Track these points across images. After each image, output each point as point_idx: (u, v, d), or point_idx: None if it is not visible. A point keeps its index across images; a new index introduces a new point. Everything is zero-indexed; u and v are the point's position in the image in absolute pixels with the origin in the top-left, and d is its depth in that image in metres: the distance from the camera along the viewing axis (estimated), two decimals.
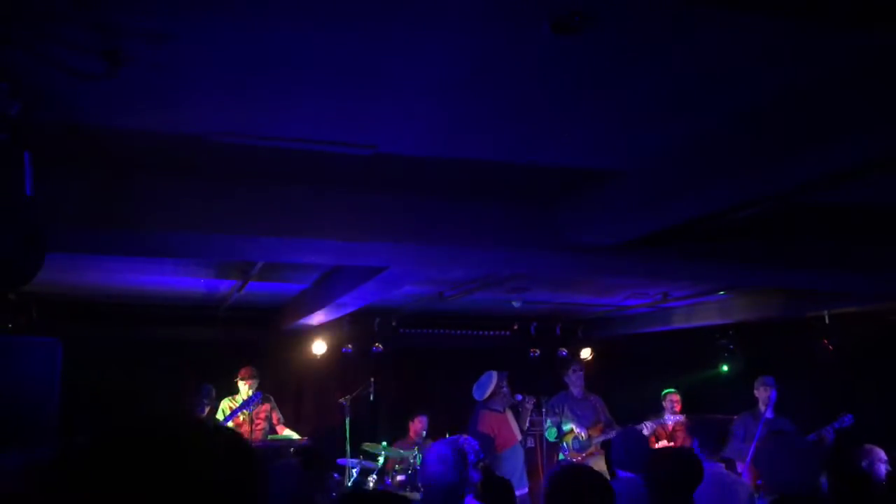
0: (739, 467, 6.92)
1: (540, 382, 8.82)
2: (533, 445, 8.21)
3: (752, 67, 2.82)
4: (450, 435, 6.46)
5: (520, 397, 7.78)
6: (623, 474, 4.22)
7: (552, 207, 4.78)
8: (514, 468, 6.95)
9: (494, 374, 7.62)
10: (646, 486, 3.79)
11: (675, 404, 8.68)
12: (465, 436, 3.94)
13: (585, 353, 10.58)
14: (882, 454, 5.53)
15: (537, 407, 7.89)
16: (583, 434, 8.06)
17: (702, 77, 2.93)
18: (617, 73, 2.89)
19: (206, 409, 7.33)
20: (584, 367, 8.56)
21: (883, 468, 5.40)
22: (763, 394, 7.30)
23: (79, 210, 4.11)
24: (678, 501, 3.63)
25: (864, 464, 5.51)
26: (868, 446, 5.64)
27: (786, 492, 3.45)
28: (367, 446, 8.14)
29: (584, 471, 3.35)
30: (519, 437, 7.45)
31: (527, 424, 7.94)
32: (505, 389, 7.58)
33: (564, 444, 8.01)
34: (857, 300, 7.39)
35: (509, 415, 7.54)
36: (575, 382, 8.40)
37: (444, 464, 3.58)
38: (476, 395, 7.63)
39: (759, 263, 5.32)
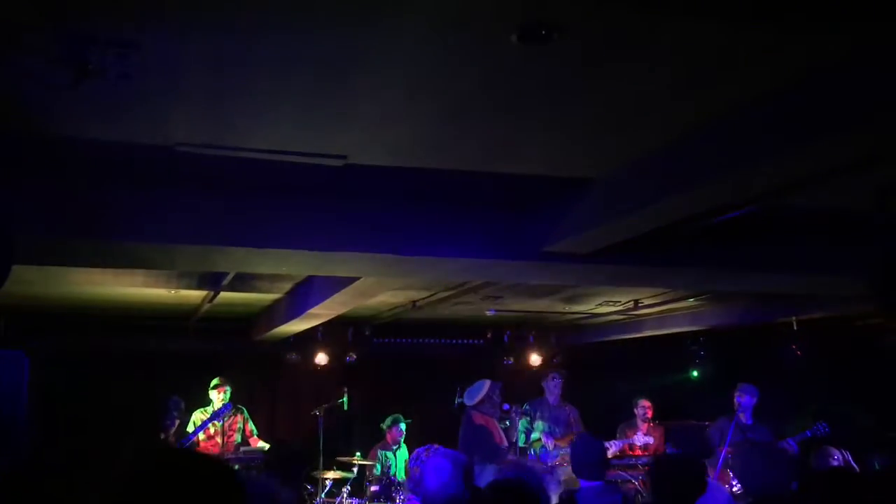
0: (710, 472, 6.98)
1: (513, 390, 8.84)
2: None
3: (711, 76, 2.87)
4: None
5: (507, 407, 7.82)
6: (584, 483, 4.23)
7: (523, 216, 4.81)
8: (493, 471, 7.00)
9: (488, 382, 7.69)
10: (652, 494, 3.80)
11: (647, 410, 8.72)
12: (436, 446, 3.89)
13: (535, 360, 10.57)
14: (834, 452, 5.63)
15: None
16: (549, 444, 8.09)
17: (664, 86, 2.97)
18: (583, 82, 2.93)
19: (176, 423, 7.25)
20: (563, 377, 8.58)
21: (834, 465, 5.48)
22: (741, 400, 7.37)
23: (46, 221, 4.08)
24: None
25: (814, 463, 5.61)
26: (824, 447, 5.75)
27: (762, 494, 3.51)
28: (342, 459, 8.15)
29: (514, 486, 3.37)
30: (504, 444, 7.49)
31: (515, 436, 7.96)
32: (496, 399, 7.63)
33: (532, 451, 8.05)
34: (824, 306, 7.50)
35: (496, 423, 7.59)
36: (552, 390, 8.46)
37: (443, 474, 3.52)
38: (467, 399, 7.69)
39: (732, 267, 5.38)
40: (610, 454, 7.95)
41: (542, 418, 8.30)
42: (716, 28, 2.49)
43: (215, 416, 7.60)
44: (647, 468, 5.28)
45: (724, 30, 2.51)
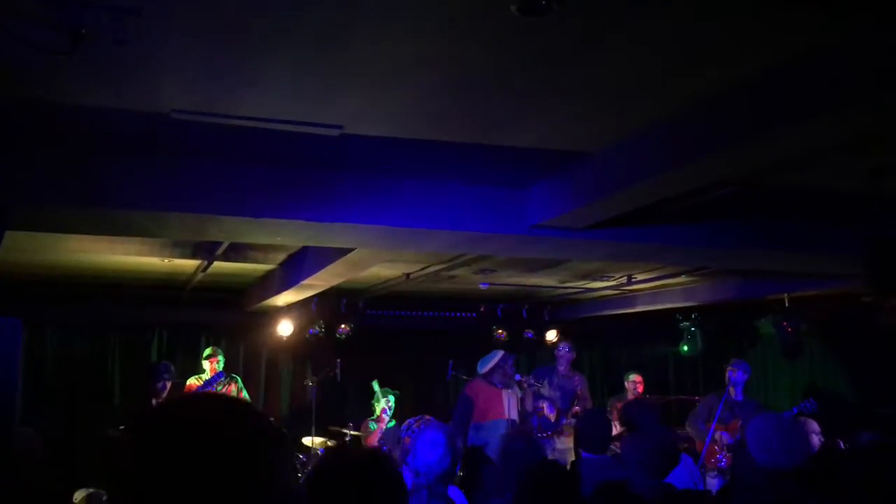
0: (699, 447, 7.05)
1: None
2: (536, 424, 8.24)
3: (711, 52, 2.86)
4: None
5: (519, 377, 7.89)
6: (587, 455, 4.29)
7: (520, 188, 4.81)
8: (493, 441, 7.03)
9: (500, 352, 7.77)
10: (621, 467, 3.85)
11: (638, 385, 8.84)
12: (427, 416, 3.92)
13: (551, 336, 10.66)
14: (815, 426, 5.67)
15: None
16: (551, 415, 8.19)
17: (663, 61, 2.96)
18: (582, 54, 2.91)
19: (167, 388, 7.28)
20: (573, 350, 8.74)
21: (816, 439, 5.52)
22: (732, 375, 7.42)
23: (41, 187, 4.07)
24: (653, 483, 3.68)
25: None
26: (805, 420, 5.80)
27: (776, 468, 3.54)
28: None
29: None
30: (508, 415, 7.53)
31: (531, 405, 8.03)
32: (508, 370, 7.68)
33: (536, 417, 8.17)
34: (817, 283, 7.54)
35: (506, 394, 7.61)
36: (561, 359, 8.63)
37: (436, 448, 3.54)
38: (479, 367, 7.78)
39: (726, 244, 5.41)
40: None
41: (550, 385, 8.43)
42: (716, 4, 2.48)
43: (209, 383, 7.62)
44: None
45: (725, 6, 2.50)
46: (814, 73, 2.82)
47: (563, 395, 8.43)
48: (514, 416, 7.58)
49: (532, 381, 8.05)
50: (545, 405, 8.24)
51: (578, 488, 3.29)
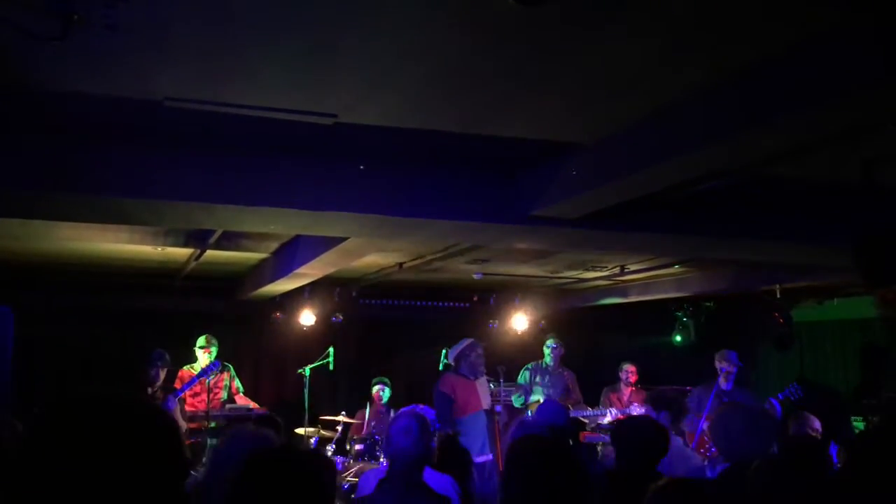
0: (689, 440, 7.08)
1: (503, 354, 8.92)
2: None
3: (703, 44, 2.86)
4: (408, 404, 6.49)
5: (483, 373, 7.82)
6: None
7: (514, 179, 4.81)
8: (476, 434, 7.01)
9: (466, 341, 7.53)
10: (615, 456, 3.86)
11: (631, 375, 8.91)
12: (421, 405, 3.94)
13: (521, 323, 10.49)
14: (815, 423, 5.67)
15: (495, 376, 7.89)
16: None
17: (656, 52, 2.96)
18: (576, 46, 2.90)
19: (161, 376, 7.25)
20: (562, 345, 8.89)
21: (810, 433, 5.53)
22: (723, 367, 7.45)
23: (33, 175, 4.04)
24: (643, 472, 3.70)
25: (792, 428, 5.66)
26: (804, 413, 5.81)
27: (741, 460, 3.55)
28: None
29: (545, 442, 3.25)
30: (484, 405, 7.46)
31: (501, 396, 7.99)
32: (473, 359, 7.39)
33: (529, 412, 8.14)
34: (809, 275, 7.57)
35: (479, 384, 7.50)
36: (553, 355, 8.79)
37: (409, 435, 3.55)
38: (449, 356, 7.66)
39: (719, 235, 5.42)
40: (606, 422, 8.17)
41: (540, 382, 8.48)
42: None
43: (203, 373, 7.62)
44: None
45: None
46: (807, 63, 2.82)
47: (556, 391, 8.58)
48: (488, 404, 7.49)
49: (502, 369, 7.88)
50: (541, 398, 8.31)
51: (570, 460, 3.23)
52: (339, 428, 8.24)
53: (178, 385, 7.66)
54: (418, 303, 10.61)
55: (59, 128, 3.94)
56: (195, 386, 7.74)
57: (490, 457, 7.04)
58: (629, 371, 8.92)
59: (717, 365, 7.47)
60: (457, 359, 7.41)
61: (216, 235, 6.36)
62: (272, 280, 7.89)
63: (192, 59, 3.08)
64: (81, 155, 4.08)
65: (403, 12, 2.64)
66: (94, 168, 4.10)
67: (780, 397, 6.99)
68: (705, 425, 7.07)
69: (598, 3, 2.56)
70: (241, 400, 8.27)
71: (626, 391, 8.89)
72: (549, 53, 2.98)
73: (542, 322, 10.72)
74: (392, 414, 8.09)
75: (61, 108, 3.62)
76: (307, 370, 8.65)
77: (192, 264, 8.01)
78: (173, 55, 3.03)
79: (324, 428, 8.27)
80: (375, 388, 8.87)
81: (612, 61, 3.06)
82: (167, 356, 7.34)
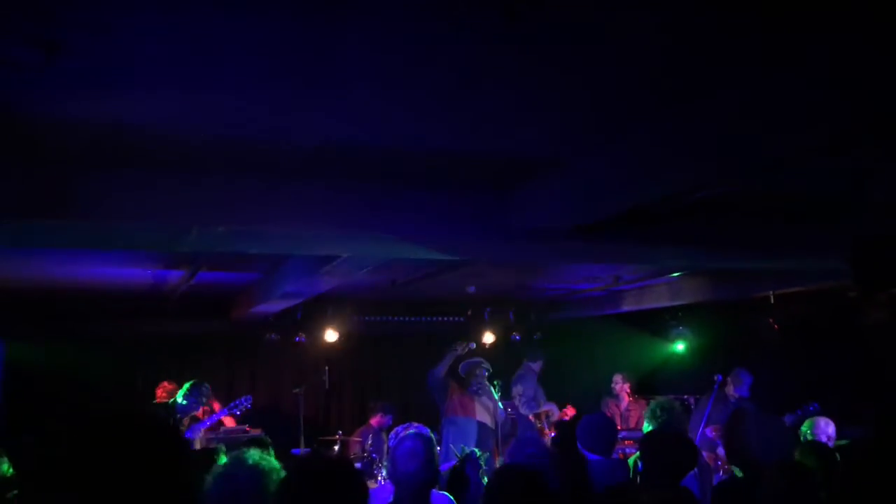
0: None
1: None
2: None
3: (691, 58, 2.85)
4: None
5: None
6: (593, 457, 4.32)
7: (504, 194, 4.77)
8: (466, 440, 7.05)
9: (478, 360, 7.88)
10: (642, 469, 3.82)
11: (619, 385, 9.03)
12: (416, 423, 3.86)
13: (488, 338, 10.53)
14: (828, 429, 5.64)
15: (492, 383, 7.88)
16: (556, 415, 8.67)
17: (645, 63, 2.94)
18: (562, 60, 2.88)
19: (201, 408, 7.17)
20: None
21: (824, 440, 5.50)
22: (737, 387, 7.53)
23: (18, 202, 3.99)
24: (669, 486, 3.65)
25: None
26: (817, 419, 5.78)
27: (755, 467, 3.53)
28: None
29: (526, 475, 3.21)
30: (480, 418, 7.52)
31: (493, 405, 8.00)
32: (461, 373, 7.78)
33: (545, 421, 8.43)
34: (802, 280, 7.56)
35: (478, 399, 7.61)
36: (535, 369, 9.20)
37: (415, 459, 3.46)
38: (461, 370, 7.87)
39: (713, 246, 5.40)
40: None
41: (538, 392, 8.91)
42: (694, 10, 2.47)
43: (233, 407, 7.59)
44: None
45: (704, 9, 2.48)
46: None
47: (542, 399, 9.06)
48: (486, 420, 7.56)
49: (483, 367, 7.92)
50: (552, 409, 8.71)
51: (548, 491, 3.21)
52: (336, 448, 8.16)
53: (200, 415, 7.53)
54: (412, 318, 10.55)
55: (43, 154, 3.88)
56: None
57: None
58: (617, 381, 9.07)
59: (734, 389, 7.54)
60: (467, 374, 7.71)
61: (207, 257, 6.31)
62: (265, 300, 7.85)
63: (175, 84, 3.04)
64: (68, 180, 4.01)
65: (393, 28, 2.62)
66: (80, 193, 4.04)
67: (799, 413, 6.94)
68: (708, 430, 7.08)
69: (589, 19, 2.54)
70: (228, 421, 8.15)
71: (625, 401, 8.94)
72: (540, 68, 2.95)
73: (538, 335, 10.74)
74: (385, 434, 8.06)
75: (46, 133, 3.58)
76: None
77: (184, 287, 7.96)
78: (154, 81, 3.00)
79: (320, 446, 8.20)
80: (377, 416, 8.73)
81: (603, 76, 3.04)
82: (210, 391, 7.18)
